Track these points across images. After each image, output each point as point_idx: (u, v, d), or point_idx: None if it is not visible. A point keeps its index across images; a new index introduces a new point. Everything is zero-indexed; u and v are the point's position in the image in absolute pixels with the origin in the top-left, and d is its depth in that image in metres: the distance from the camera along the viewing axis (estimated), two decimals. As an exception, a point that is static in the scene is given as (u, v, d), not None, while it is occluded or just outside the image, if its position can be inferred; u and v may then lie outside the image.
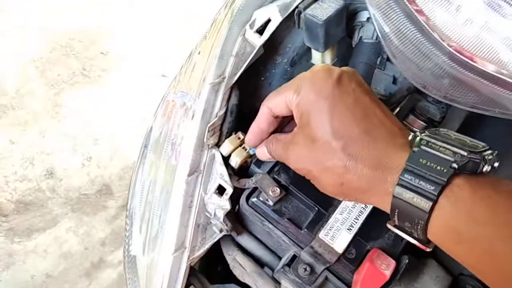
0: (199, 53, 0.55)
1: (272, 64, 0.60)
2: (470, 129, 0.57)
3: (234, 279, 0.61)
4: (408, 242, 0.46)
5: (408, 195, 0.33)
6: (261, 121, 0.45)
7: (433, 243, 0.36)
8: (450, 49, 0.35)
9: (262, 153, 0.48)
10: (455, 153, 0.33)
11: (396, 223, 0.36)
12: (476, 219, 0.31)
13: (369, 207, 0.48)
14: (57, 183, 1.66)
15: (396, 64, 0.42)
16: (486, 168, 0.34)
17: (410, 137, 0.37)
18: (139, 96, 1.90)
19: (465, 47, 0.35)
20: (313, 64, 0.58)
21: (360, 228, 0.47)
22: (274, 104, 0.43)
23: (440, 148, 0.34)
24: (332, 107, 0.37)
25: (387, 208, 0.36)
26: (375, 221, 0.47)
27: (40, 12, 2.05)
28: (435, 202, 0.32)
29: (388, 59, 0.55)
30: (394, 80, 0.56)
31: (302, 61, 0.60)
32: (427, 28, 0.36)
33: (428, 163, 0.33)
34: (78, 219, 1.63)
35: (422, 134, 0.35)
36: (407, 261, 0.46)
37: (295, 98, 0.40)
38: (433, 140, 0.35)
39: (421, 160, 0.33)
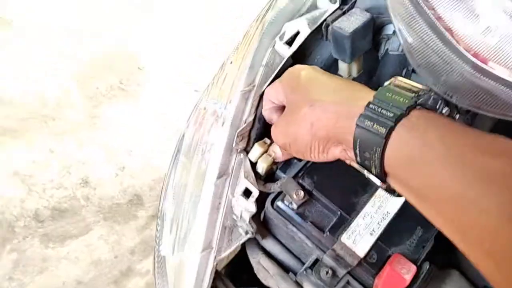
0: (231, 63, 0.58)
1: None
2: None
3: (259, 285, 0.62)
4: (430, 250, 0.47)
5: (368, 123, 0.36)
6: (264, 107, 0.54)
7: (388, 183, 0.38)
8: (473, 59, 0.36)
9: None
10: (418, 89, 0.37)
11: (358, 157, 0.38)
12: (428, 143, 0.33)
13: (392, 213, 0.49)
14: (91, 191, 1.72)
15: (420, 74, 0.43)
16: (446, 110, 0.37)
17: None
18: (172, 110, 1.97)
19: (487, 57, 0.37)
20: (340, 75, 0.60)
21: (382, 233, 0.48)
22: (267, 92, 0.53)
23: (406, 85, 0.38)
24: (304, 81, 0.46)
25: (351, 142, 0.38)
26: (397, 227, 0.48)
27: (79, 30, 2.17)
28: (392, 128, 0.34)
29: (413, 71, 0.56)
30: (420, 91, 0.57)
31: (329, 72, 0.62)
32: (450, 38, 0.37)
33: (393, 96, 0.36)
34: (109, 228, 1.68)
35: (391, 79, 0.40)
36: (428, 267, 0.46)
37: (278, 85, 0.50)
38: (399, 83, 0.39)
39: (387, 94, 0.37)
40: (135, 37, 2.16)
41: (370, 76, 0.61)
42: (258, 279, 0.62)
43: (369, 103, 0.37)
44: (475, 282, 0.53)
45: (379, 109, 0.36)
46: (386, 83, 0.40)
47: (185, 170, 0.59)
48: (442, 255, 0.50)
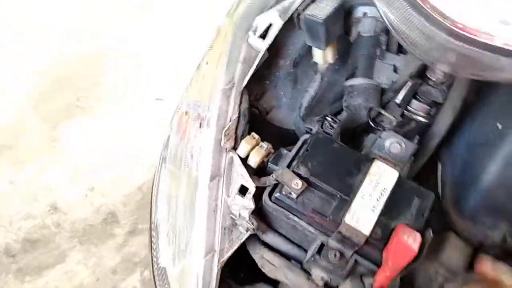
0: (207, 63, 0.58)
1: (276, 67, 0.62)
2: (470, 107, 0.60)
3: (259, 280, 0.62)
4: (429, 217, 0.48)
5: None
6: None
7: None
8: (452, 27, 0.38)
9: None
10: None
11: None
12: None
13: (389, 189, 0.50)
14: (61, 217, 1.65)
15: (406, 48, 0.44)
16: None
17: None
18: (134, 121, 1.92)
19: (465, 24, 0.38)
20: (315, 63, 0.61)
21: (382, 209, 0.49)
22: None
23: None
24: None
25: None
26: (395, 201, 0.49)
27: (29, 48, 2.07)
28: None
29: (387, 49, 0.58)
30: (395, 69, 0.59)
31: (304, 61, 0.63)
32: (428, 10, 0.39)
33: None
34: (86, 251, 1.61)
35: None
36: (431, 234, 0.48)
37: None
38: None
39: None
40: (86, 53, 2.08)
41: (344, 61, 0.62)
42: (255, 275, 0.62)
43: None
44: (470, 241, 0.56)
45: None
46: None
47: (174, 179, 0.58)
48: (437, 219, 0.53)
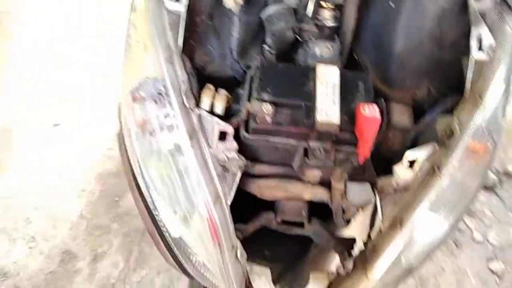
0: (138, 42, 0.60)
1: (195, 25, 0.66)
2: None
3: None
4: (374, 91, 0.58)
5: None
6: None
7: None
8: None
9: None
10: None
11: None
12: None
13: (337, 82, 0.58)
14: (16, 279, 1.53)
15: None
16: None
17: None
18: (40, 155, 1.81)
19: None
20: (229, 9, 0.65)
21: (340, 99, 0.57)
22: None
23: None
24: None
25: None
26: (346, 89, 0.58)
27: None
28: None
29: None
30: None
31: (217, 11, 0.67)
32: None
33: None
34: (58, 298, 1.54)
35: None
36: (383, 101, 0.58)
37: None
38: None
39: None
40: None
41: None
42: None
43: None
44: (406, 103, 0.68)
45: None
46: None
47: (154, 157, 0.60)
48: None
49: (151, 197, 0.61)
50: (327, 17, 0.68)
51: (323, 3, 0.66)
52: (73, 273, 1.60)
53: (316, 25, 0.67)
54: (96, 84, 2.05)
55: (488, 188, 1.96)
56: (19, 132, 1.90)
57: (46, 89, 2.01)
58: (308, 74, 0.59)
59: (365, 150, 0.57)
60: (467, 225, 1.88)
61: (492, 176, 1.99)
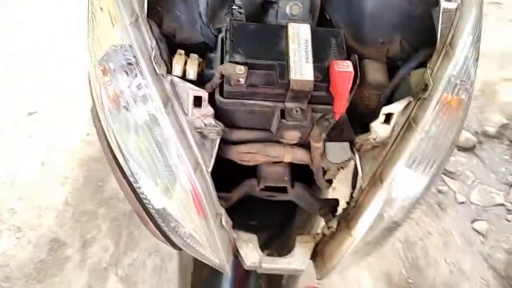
0: (101, 10, 0.57)
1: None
2: None
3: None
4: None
5: None
6: None
7: None
8: None
9: None
10: None
11: None
12: None
13: (309, 38, 0.57)
14: (6, 270, 1.52)
15: None
16: None
17: None
18: (19, 144, 1.78)
19: None
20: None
21: (313, 56, 0.56)
22: None
23: None
24: None
25: None
26: (318, 46, 0.58)
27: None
28: None
29: None
30: None
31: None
32: None
33: None
34: (51, 286, 1.53)
35: None
36: (356, 57, 0.58)
37: None
38: None
39: None
40: None
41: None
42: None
43: None
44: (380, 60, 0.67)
45: None
46: None
47: (130, 130, 0.59)
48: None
49: (131, 170, 0.60)
50: (296, -26, 0.66)
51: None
52: (63, 261, 1.60)
53: (285, -16, 0.65)
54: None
55: (468, 149, 2.00)
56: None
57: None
58: (279, 33, 0.58)
59: (340, 107, 0.56)
60: (449, 187, 1.92)
61: (471, 137, 2.03)
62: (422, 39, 0.66)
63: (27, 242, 1.58)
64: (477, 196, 1.87)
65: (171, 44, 0.65)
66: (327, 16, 0.73)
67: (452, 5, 0.60)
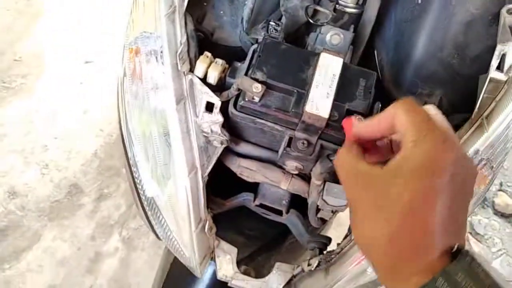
0: (143, -4, 0.58)
1: (210, -13, 0.64)
2: None
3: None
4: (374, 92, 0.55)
5: None
6: (380, 121, 0.41)
7: None
8: None
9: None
10: None
11: None
12: None
13: (337, 74, 0.55)
14: (24, 200, 1.62)
15: None
16: None
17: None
18: (69, 89, 1.85)
19: None
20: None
21: (335, 94, 0.54)
22: (402, 125, 0.39)
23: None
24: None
25: None
26: (345, 84, 0.55)
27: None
28: None
29: None
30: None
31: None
32: None
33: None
34: (59, 226, 1.61)
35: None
36: (379, 105, 0.55)
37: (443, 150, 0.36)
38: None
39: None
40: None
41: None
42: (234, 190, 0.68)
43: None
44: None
45: None
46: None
47: (142, 115, 0.60)
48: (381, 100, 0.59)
49: (132, 151, 0.61)
50: (350, 1, 0.63)
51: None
52: (77, 207, 1.67)
53: (335, 9, 0.63)
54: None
55: (505, 215, 1.87)
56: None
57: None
58: (309, 60, 0.56)
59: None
60: (472, 249, 1.81)
61: (512, 204, 1.89)
62: (464, 101, 0.62)
63: (50, 180, 1.67)
64: (498, 265, 1.76)
65: (206, 42, 0.65)
66: (375, 53, 0.70)
67: (502, 77, 0.56)
